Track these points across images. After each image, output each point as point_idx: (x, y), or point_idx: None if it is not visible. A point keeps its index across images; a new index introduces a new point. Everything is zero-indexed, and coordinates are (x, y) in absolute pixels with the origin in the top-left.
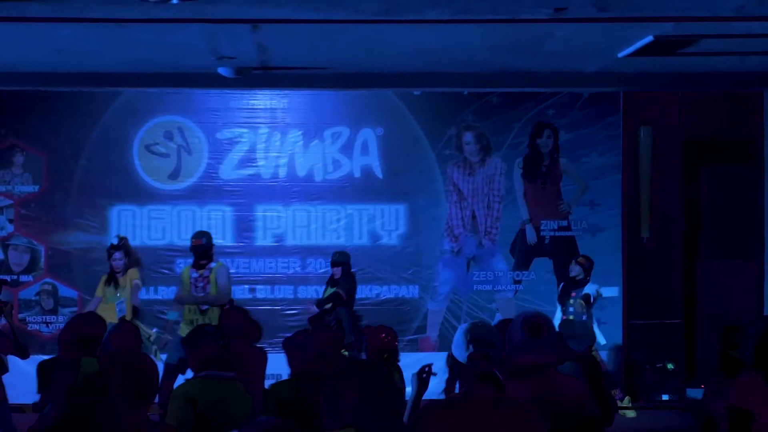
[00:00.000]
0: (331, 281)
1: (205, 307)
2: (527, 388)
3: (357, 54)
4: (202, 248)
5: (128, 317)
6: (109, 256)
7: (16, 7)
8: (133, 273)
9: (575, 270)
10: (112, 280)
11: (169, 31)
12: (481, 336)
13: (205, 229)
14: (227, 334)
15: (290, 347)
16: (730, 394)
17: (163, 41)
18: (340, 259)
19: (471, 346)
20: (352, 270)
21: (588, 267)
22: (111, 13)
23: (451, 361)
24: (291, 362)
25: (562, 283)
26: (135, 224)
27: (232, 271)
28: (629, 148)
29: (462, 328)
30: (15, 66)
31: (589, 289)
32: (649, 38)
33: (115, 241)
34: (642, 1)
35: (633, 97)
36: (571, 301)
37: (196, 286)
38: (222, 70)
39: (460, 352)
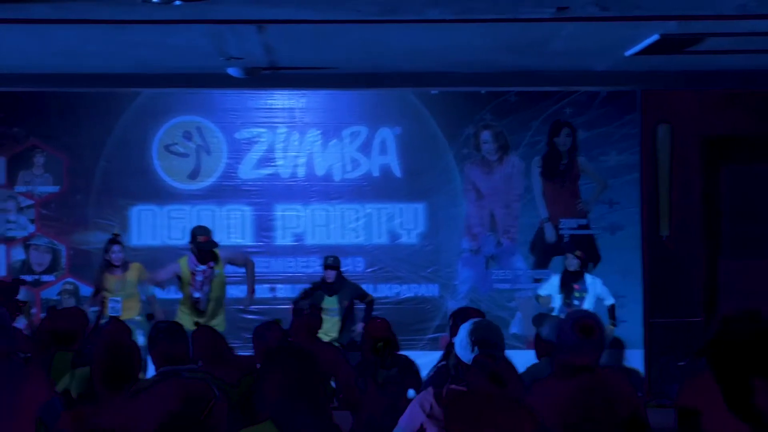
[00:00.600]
0: (326, 287)
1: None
2: (577, 387)
3: (364, 54)
4: (211, 244)
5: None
6: (107, 250)
7: (24, 9)
8: (140, 268)
9: (574, 264)
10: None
11: (175, 32)
12: (485, 338)
13: (224, 228)
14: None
15: (253, 338)
16: (683, 392)
17: (171, 42)
18: (336, 262)
19: (476, 348)
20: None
21: (585, 260)
22: (115, 14)
23: (454, 361)
24: (254, 353)
25: (557, 276)
26: (155, 224)
27: None
28: (647, 146)
29: (465, 328)
30: (31, 67)
31: (596, 286)
32: (656, 37)
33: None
34: (644, 0)
35: (651, 96)
36: (576, 294)
37: (198, 280)
38: (231, 71)
39: (465, 354)
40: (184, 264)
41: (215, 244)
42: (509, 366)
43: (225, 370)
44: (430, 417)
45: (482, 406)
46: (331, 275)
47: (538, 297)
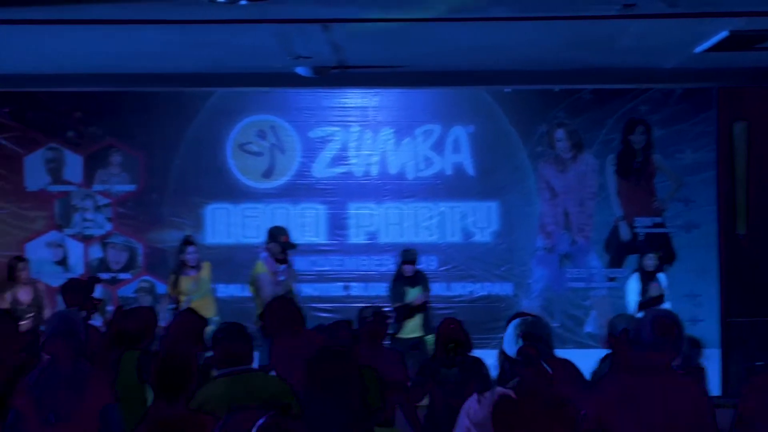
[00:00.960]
0: (406, 280)
1: None
2: (649, 385)
3: (434, 52)
4: (292, 245)
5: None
6: (182, 251)
7: (95, 10)
8: (209, 266)
9: (651, 264)
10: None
11: (242, 32)
12: (530, 331)
13: (299, 227)
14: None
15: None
16: (745, 390)
17: (240, 42)
18: (414, 256)
19: (520, 340)
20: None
21: (662, 259)
22: (182, 15)
23: (503, 357)
24: None
25: (634, 278)
26: (229, 222)
27: (326, 268)
28: (724, 143)
29: (513, 323)
30: (107, 68)
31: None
32: (725, 33)
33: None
34: None
35: (727, 93)
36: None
37: (278, 282)
38: (300, 70)
39: (510, 347)
40: (263, 269)
41: (294, 245)
42: (565, 364)
43: (300, 340)
44: (474, 423)
45: (528, 409)
46: (409, 270)
47: (641, 306)
